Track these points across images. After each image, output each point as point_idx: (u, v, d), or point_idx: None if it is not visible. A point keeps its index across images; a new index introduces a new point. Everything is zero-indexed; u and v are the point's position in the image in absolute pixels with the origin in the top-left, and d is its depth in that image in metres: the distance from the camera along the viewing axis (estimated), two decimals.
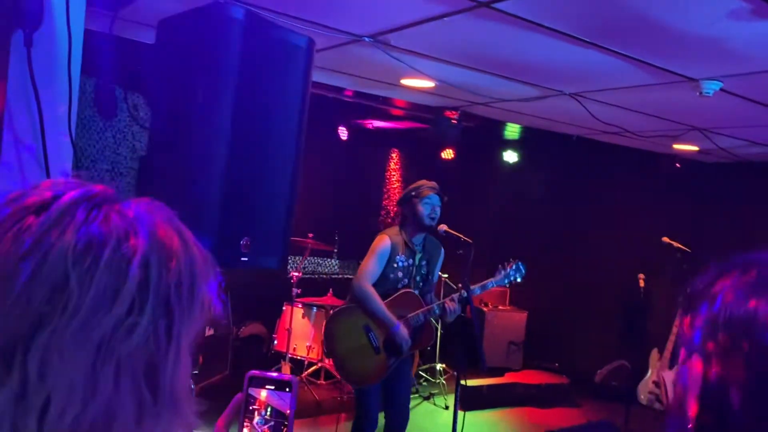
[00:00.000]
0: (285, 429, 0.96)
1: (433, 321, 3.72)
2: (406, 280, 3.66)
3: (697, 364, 0.82)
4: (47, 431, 0.56)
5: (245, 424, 0.96)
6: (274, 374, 0.99)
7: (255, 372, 0.98)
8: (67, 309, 0.56)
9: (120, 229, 0.61)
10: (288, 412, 0.97)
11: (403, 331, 3.55)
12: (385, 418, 3.73)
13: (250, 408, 0.97)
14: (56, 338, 0.55)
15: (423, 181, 3.71)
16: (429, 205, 3.60)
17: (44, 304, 0.56)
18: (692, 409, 0.82)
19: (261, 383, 0.97)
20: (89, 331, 0.56)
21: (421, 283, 3.73)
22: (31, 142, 1.63)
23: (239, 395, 0.97)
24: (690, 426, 0.82)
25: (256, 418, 0.97)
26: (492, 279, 3.71)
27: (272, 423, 0.97)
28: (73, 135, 1.77)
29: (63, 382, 0.56)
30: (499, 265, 3.76)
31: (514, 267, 3.73)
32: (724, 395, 0.77)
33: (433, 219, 3.60)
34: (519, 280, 3.75)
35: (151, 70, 2.14)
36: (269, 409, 0.97)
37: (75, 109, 1.76)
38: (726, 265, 0.85)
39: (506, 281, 3.74)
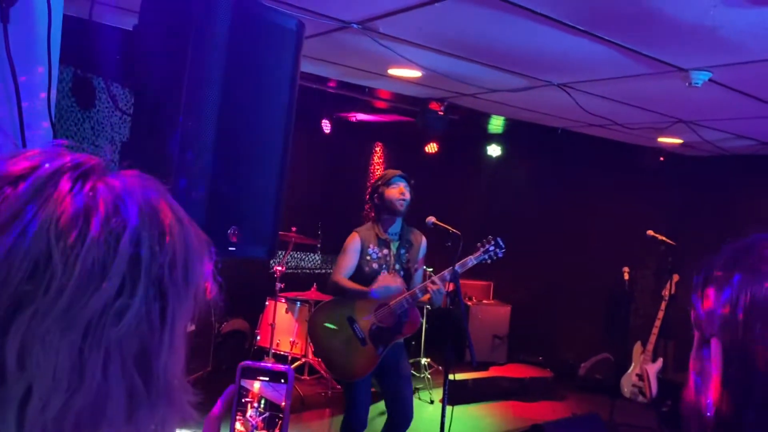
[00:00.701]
0: (280, 422, 0.91)
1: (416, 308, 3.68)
2: (385, 271, 3.63)
3: (716, 345, 0.79)
4: (28, 425, 0.49)
5: (237, 417, 0.91)
6: (268, 365, 0.94)
7: (248, 362, 0.93)
8: (50, 289, 0.50)
9: (108, 202, 0.54)
10: (283, 404, 0.92)
11: (387, 283, 3.52)
12: (387, 416, 3.70)
13: (243, 400, 0.92)
14: (38, 321, 0.49)
15: (386, 170, 3.84)
16: (395, 186, 3.64)
17: (24, 283, 0.49)
18: (713, 393, 0.79)
19: (254, 374, 0.93)
20: (75, 314, 0.50)
21: (401, 272, 3.70)
22: (8, 127, 1.55)
23: (231, 387, 0.92)
24: (710, 414, 0.80)
25: (249, 411, 0.92)
26: (471, 256, 3.66)
27: (266, 415, 0.92)
28: (53, 119, 1.69)
29: (45, 370, 0.49)
30: (478, 243, 3.71)
31: (493, 243, 3.68)
32: (747, 375, 0.75)
33: (402, 202, 3.63)
34: (500, 255, 3.69)
35: (134, 53, 2.06)
36: (263, 401, 0.92)
37: (54, 92, 1.68)
38: (738, 245, 0.83)
39: (486, 257, 3.67)
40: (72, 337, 0.50)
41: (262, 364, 0.95)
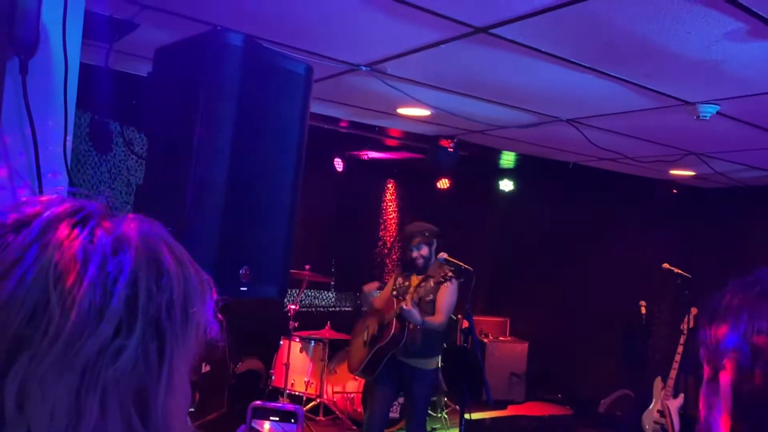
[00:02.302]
0: None
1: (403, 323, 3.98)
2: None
3: (725, 379, 0.79)
4: None
5: None
6: (278, 405, 0.96)
7: (258, 403, 0.95)
8: (48, 332, 0.51)
9: (106, 246, 0.56)
10: None
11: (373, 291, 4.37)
12: None
13: None
14: (36, 364, 0.51)
15: (411, 225, 4.28)
16: (415, 249, 4.09)
17: (23, 326, 0.51)
18: (723, 428, 0.80)
19: (264, 414, 0.94)
20: (72, 356, 0.51)
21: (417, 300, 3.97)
22: (26, 174, 1.59)
23: (242, 427, 0.93)
24: None
25: None
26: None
27: None
28: (69, 168, 1.74)
29: (43, 412, 0.51)
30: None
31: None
32: (757, 409, 0.75)
33: (424, 259, 4.09)
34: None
35: (149, 98, 2.12)
36: None
37: (71, 141, 1.73)
38: (746, 281, 0.84)
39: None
40: (69, 378, 0.51)
41: (273, 404, 0.96)
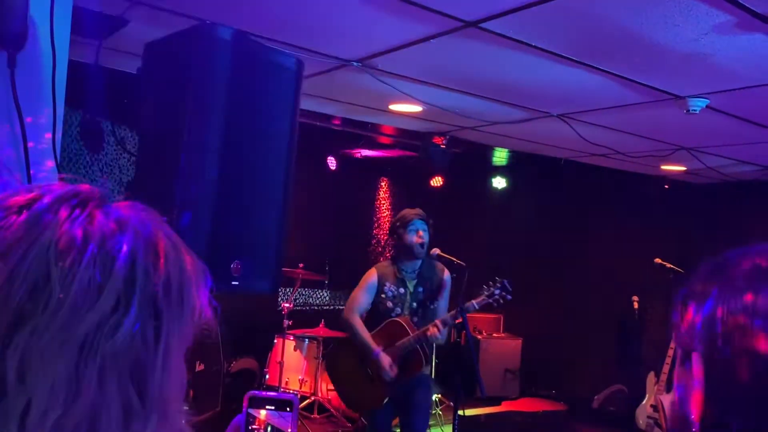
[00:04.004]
0: None
1: (423, 347, 3.64)
2: (399, 310, 3.66)
3: (697, 362, 0.80)
4: None
5: None
6: (274, 394, 0.97)
7: (254, 392, 0.97)
8: (48, 307, 0.53)
9: (105, 227, 0.58)
10: (289, 430, 0.95)
11: (384, 358, 3.56)
12: None
13: (250, 428, 0.95)
14: (37, 337, 0.53)
15: (405, 210, 3.80)
16: (413, 231, 3.65)
17: (24, 301, 0.53)
18: (696, 407, 0.80)
19: (260, 403, 0.96)
20: (71, 330, 0.53)
21: (419, 310, 3.69)
22: (14, 167, 1.59)
23: (239, 416, 0.95)
24: (695, 429, 0.80)
25: None
26: (474, 301, 3.63)
27: None
28: (58, 160, 1.74)
29: (44, 383, 0.52)
30: (484, 285, 3.72)
31: (499, 286, 3.66)
32: (729, 387, 0.76)
33: (422, 244, 3.64)
34: (508, 298, 3.66)
35: (138, 94, 2.12)
36: (269, 429, 0.96)
37: (60, 135, 1.73)
38: (715, 261, 0.85)
39: (491, 301, 3.65)
40: (69, 351, 0.53)
41: (268, 393, 0.98)
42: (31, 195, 0.59)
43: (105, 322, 0.55)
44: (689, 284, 0.84)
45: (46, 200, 0.59)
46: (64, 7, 1.70)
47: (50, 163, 1.63)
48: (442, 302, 3.79)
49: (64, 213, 0.58)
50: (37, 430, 0.52)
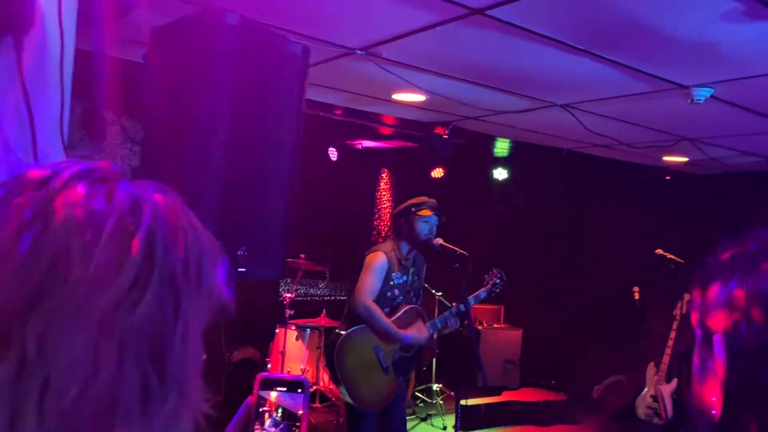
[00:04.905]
0: (297, 430, 0.94)
1: (433, 337, 3.68)
2: (402, 298, 3.61)
3: (719, 344, 0.80)
4: (47, 412, 0.51)
5: (256, 427, 0.93)
6: (285, 375, 0.97)
7: (265, 374, 0.96)
8: (68, 281, 0.52)
9: (124, 204, 0.58)
10: (300, 412, 0.94)
11: (419, 332, 3.54)
12: None
13: (260, 410, 0.94)
14: (56, 312, 0.52)
15: (425, 198, 3.64)
16: (428, 225, 3.57)
17: (44, 276, 0.52)
18: (717, 390, 0.80)
19: (271, 385, 0.95)
20: (90, 305, 0.53)
21: (415, 299, 3.69)
22: (21, 148, 1.58)
23: (249, 398, 0.94)
24: (715, 411, 0.80)
25: (267, 421, 0.94)
26: (482, 289, 3.82)
27: (283, 425, 0.94)
28: (66, 142, 1.73)
29: (63, 358, 0.52)
30: (485, 276, 3.86)
31: (498, 276, 3.83)
32: (752, 370, 0.75)
33: (429, 239, 3.57)
34: (502, 287, 3.89)
35: (144, 79, 2.11)
36: (280, 411, 0.94)
37: (67, 117, 1.72)
38: (738, 239, 0.84)
39: (495, 290, 3.85)
40: (88, 327, 0.53)
41: (279, 374, 0.97)
42: (50, 171, 0.59)
43: (124, 298, 0.54)
44: (708, 266, 0.84)
45: (65, 175, 0.58)
46: None
47: (57, 144, 1.62)
48: (421, 290, 3.85)
49: (83, 189, 0.57)
50: (55, 407, 0.51)
